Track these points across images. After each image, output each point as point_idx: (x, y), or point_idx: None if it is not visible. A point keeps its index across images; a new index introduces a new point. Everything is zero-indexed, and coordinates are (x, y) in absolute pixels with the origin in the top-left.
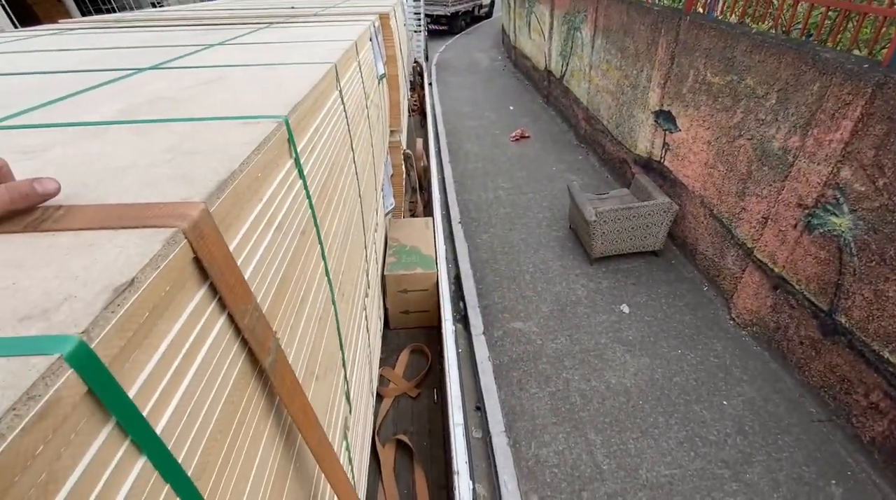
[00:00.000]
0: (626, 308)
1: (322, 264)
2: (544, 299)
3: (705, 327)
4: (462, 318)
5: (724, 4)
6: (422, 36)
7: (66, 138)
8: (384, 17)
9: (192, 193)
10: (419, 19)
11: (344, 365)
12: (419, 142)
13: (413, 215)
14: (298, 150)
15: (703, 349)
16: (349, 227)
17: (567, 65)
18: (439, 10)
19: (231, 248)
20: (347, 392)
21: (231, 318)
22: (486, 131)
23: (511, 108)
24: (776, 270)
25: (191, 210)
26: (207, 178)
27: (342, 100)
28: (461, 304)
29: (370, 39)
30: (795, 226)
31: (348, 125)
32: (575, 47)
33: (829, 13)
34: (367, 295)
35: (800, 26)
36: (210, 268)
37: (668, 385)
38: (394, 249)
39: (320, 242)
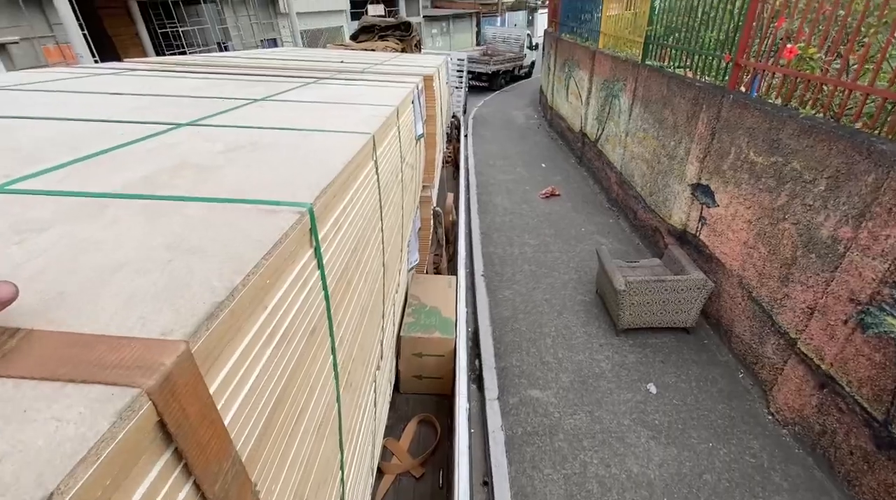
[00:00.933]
0: (652, 388)
1: (330, 358)
2: (565, 367)
3: (740, 420)
4: (476, 378)
5: (768, 87)
6: (462, 92)
7: (72, 213)
8: (428, 79)
9: (176, 324)
10: (461, 76)
11: (342, 467)
12: (450, 196)
13: (437, 269)
14: (320, 237)
15: (737, 445)
16: (367, 304)
17: (603, 129)
18: (481, 69)
19: (213, 389)
20: (343, 496)
21: (197, 485)
22: (517, 186)
23: (543, 165)
24: (823, 367)
25: (165, 357)
26: (201, 299)
27: (376, 169)
28: (477, 362)
29: (412, 102)
30: (846, 322)
31: (380, 193)
32: (612, 113)
33: (886, 104)
34: (378, 368)
35: (851, 113)
36: (178, 431)
37: (696, 483)
38: (413, 307)
39: (331, 336)
